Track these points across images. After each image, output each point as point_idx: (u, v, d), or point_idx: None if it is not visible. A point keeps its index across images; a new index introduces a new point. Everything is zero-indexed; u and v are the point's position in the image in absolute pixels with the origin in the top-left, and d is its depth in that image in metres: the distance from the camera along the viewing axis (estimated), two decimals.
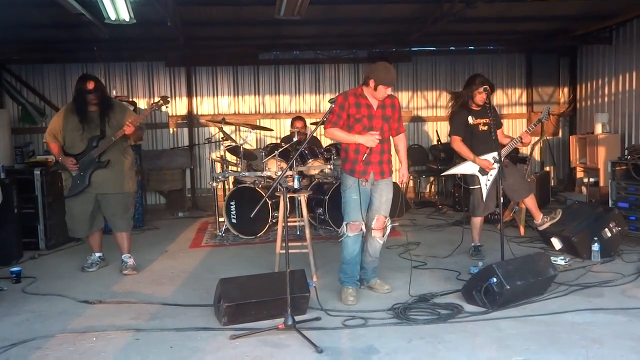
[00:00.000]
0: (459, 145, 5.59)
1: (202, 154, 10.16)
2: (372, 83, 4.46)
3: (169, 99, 5.65)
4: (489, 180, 5.57)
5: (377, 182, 4.60)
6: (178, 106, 10.16)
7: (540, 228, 5.90)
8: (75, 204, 5.56)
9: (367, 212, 4.65)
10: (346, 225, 4.57)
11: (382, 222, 4.61)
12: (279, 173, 6.75)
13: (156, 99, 5.58)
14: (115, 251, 5.82)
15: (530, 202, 5.80)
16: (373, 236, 4.65)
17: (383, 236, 4.68)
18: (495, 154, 5.39)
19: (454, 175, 6.07)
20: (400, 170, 4.85)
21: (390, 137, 4.76)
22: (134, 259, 5.70)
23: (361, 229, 4.58)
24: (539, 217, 5.83)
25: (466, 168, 5.64)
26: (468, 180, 5.71)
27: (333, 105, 4.39)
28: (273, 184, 4.17)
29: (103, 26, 6.78)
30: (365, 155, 4.45)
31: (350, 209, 4.55)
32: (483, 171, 5.56)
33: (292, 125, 8.58)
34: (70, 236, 6.14)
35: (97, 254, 5.82)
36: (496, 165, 5.41)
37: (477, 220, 5.78)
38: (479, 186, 5.62)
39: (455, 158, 5.77)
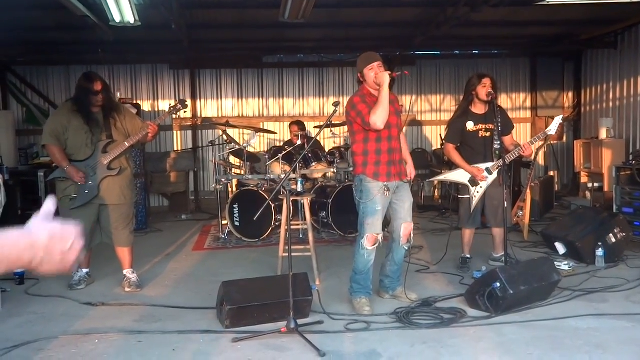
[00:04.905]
0: (451, 152, 5.42)
1: (205, 157, 10.18)
2: (361, 77, 4.42)
3: (187, 103, 5.41)
4: (478, 192, 5.37)
5: (397, 186, 4.45)
6: None
7: (491, 262, 5.65)
8: (78, 216, 4.84)
9: (393, 222, 4.55)
10: (366, 237, 4.37)
11: (409, 229, 4.51)
12: (283, 176, 6.75)
13: (173, 103, 5.21)
14: (112, 251, 5.44)
15: (499, 233, 5.48)
16: (401, 244, 4.53)
17: (408, 242, 4.55)
18: (490, 164, 5.33)
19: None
20: (407, 168, 4.63)
21: None
22: (137, 275, 5.27)
23: (377, 240, 4.41)
24: (499, 251, 5.48)
25: (457, 176, 5.47)
26: (459, 189, 5.55)
27: (336, 109, 4.31)
28: (276, 187, 4.16)
29: (108, 28, 6.80)
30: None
31: (372, 221, 4.36)
32: (473, 181, 5.36)
33: (290, 129, 8.69)
34: None
35: (85, 270, 5.28)
36: (491, 177, 5.34)
37: (466, 232, 5.55)
38: (467, 196, 5.42)
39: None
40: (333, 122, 8.24)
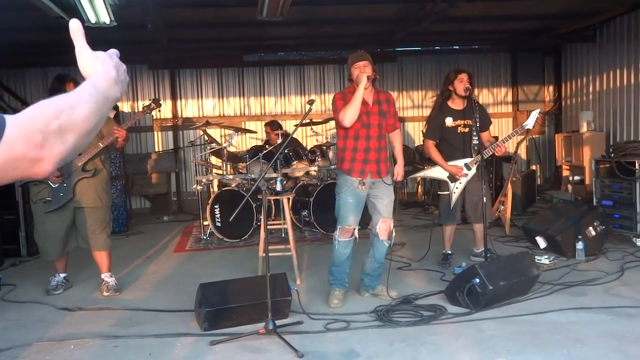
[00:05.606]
0: (430, 149, 5.40)
1: (187, 157, 10.09)
2: (350, 75, 4.47)
3: (161, 102, 5.37)
4: (457, 188, 5.35)
5: (375, 182, 4.48)
6: (162, 109, 10.05)
7: (472, 257, 5.65)
8: (53, 219, 4.88)
9: (372, 218, 4.57)
10: (338, 229, 4.46)
11: (388, 224, 4.51)
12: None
13: (147, 102, 5.23)
14: (90, 255, 5.32)
15: (479, 228, 5.43)
16: (381, 239, 4.52)
17: (389, 239, 4.55)
18: (468, 160, 5.31)
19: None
20: (395, 168, 4.65)
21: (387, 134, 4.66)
22: (115, 278, 5.16)
23: (353, 234, 4.47)
24: (480, 246, 5.46)
25: (436, 172, 5.46)
26: (439, 185, 5.56)
27: (311, 107, 4.32)
28: (253, 186, 4.13)
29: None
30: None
31: (344, 213, 4.43)
32: (452, 177, 5.34)
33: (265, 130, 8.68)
34: (42, 258, 5.29)
35: (62, 275, 5.19)
36: (470, 173, 5.32)
37: (447, 229, 5.55)
38: (447, 192, 5.40)
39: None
40: (314, 120, 8.28)
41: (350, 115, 4.30)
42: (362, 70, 4.36)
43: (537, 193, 9.14)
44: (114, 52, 1.18)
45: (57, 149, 0.94)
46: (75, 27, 1.12)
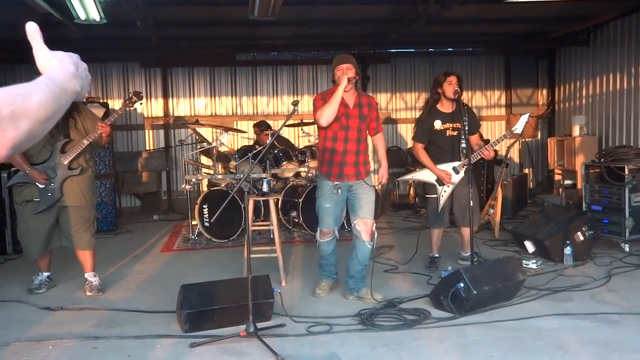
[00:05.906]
0: (419, 152, 5.35)
1: (178, 156, 10.04)
2: (334, 76, 4.50)
3: (142, 95, 5.32)
4: (445, 191, 5.32)
5: (354, 185, 4.51)
6: (154, 107, 10.05)
7: (460, 261, 5.60)
8: (37, 218, 4.84)
9: (351, 218, 4.62)
10: (319, 230, 4.64)
11: (368, 225, 4.50)
12: (253, 176, 6.67)
13: (129, 95, 5.24)
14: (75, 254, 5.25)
15: (467, 232, 5.25)
16: (363, 240, 4.50)
17: (371, 240, 4.52)
18: (457, 163, 5.28)
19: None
20: (379, 171, 4.68)
21: (368, 138, 4.71)
22: (99, 278, 5.10)
23: (333, 234, 4.63)
24: (468, 250, 5.20)
25: (424, 175, 5.43)
26: (427, 188, 5.53)
27: (296, 108, 4.30)
28: (236, 186, 4.10)
29: (73, 26, 6.65)
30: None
31: (322, 216, 4.57)
32: (441, 181, 5.32)
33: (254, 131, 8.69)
34: (25, 257, 5.23)
35: (46, 274, 5.14)
36: (459, 177, 5.30)
37: (434, 232, 5.49)
38: (435, 196, 5.37)
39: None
40: (304, 121, 8.24)
41: (327, 114, 4.36)
42: (345, 72, 4.40)
43: (528, 197, 9.10)
44: (73, 54, 1.21)
45: (10, 134, 0.95)
46: (31, 30, 1.15)
